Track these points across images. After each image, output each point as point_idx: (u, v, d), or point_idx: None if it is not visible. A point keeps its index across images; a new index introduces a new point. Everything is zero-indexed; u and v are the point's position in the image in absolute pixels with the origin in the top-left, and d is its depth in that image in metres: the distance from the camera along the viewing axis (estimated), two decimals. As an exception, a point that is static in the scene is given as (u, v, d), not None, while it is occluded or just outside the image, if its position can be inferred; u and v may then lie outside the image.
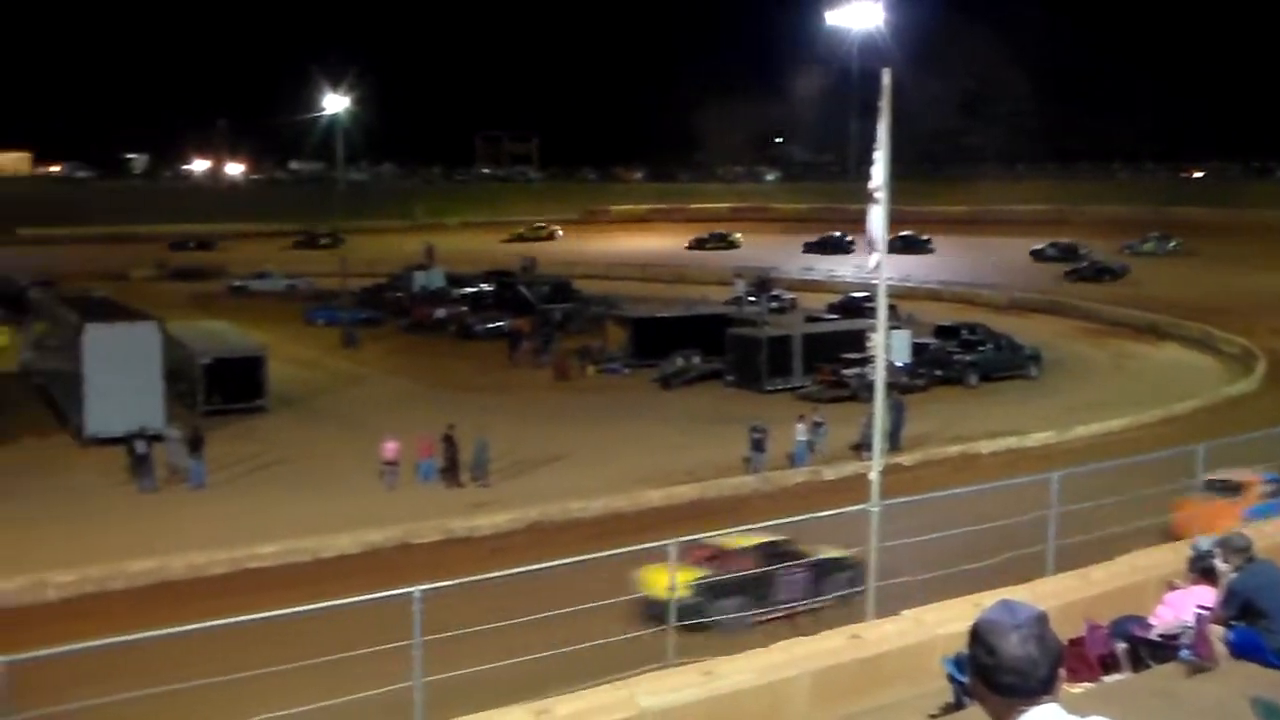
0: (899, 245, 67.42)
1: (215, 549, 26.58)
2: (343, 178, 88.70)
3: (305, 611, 13.25)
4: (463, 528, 29.19)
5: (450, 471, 32.56)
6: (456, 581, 12.87)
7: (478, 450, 32.67)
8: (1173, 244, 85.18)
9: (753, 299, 61.55)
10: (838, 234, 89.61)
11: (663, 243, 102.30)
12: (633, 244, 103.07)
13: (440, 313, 62.84)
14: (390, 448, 32.35)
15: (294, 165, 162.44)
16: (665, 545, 13.51)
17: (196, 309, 62.90)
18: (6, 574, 24.56)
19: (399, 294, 69.04)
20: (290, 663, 12.45)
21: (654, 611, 15.05)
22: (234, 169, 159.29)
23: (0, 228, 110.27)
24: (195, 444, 32.63)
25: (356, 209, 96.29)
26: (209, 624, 12.02)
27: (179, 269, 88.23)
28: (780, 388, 44.65)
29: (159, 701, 12.01)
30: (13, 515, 29.22)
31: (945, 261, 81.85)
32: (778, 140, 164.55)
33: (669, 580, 14.18)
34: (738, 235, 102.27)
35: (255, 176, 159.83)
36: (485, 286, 70.51)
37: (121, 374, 35.92)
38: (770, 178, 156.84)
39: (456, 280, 72.37)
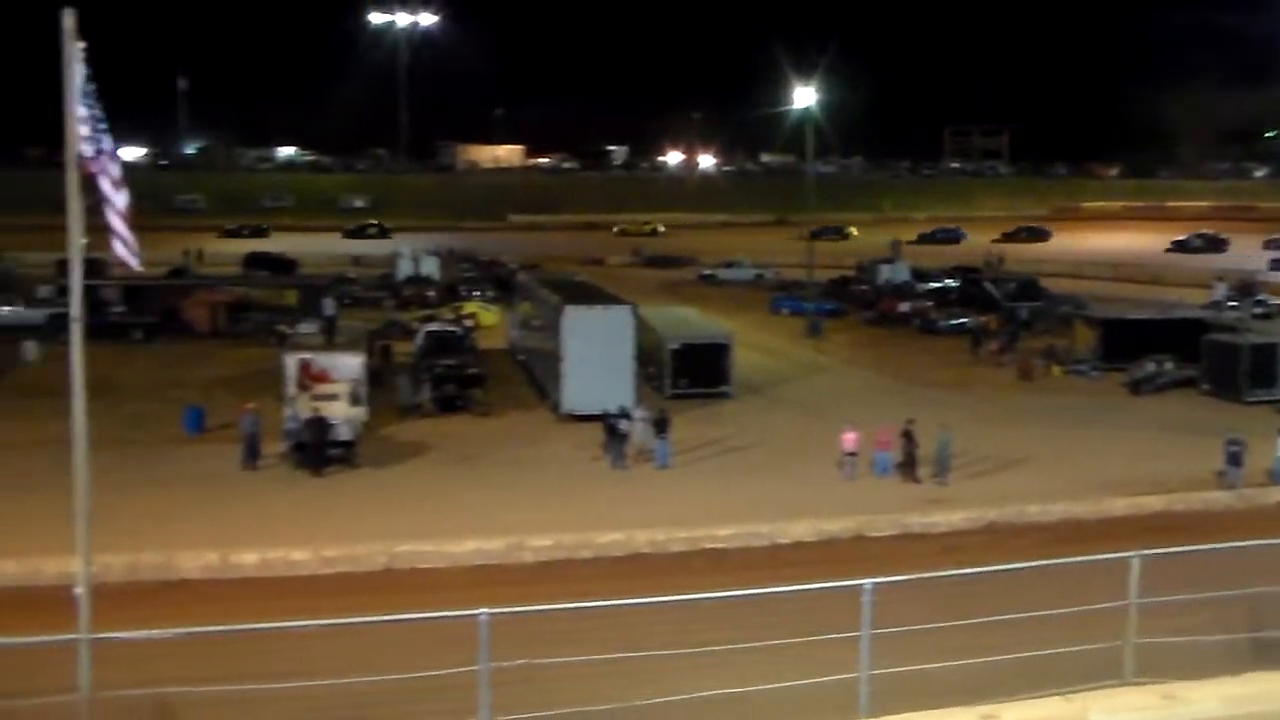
0: None
1: (676, 527, 27.68)
2: (812, 170, 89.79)
3: (760, 594, 13.61)
4: (919, 524, 29.03)
5: (908, 466, 32.36)
6: (908, 577, 12.81)
7: (940, 447, 32.26)
8: None
9: (1234, 303, 57.56)
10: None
11: (1137, 242, 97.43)
12: (1105, 242, 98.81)
13: (904, 307, 62.54)
14: (850, 438, 32.47)
15: (764, 158, 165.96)
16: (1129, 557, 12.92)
17: (667, 295, 65.45)
18: (490, 535, 26.55)
19: (864, 286, 69.29)
20: (743, 643, 12.80)
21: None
22: (706, 161, 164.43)
23: (494, 214, 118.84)
24: (661, 425, 33.96)
25: (825, 201, 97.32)
26: (677, 598, 12.53)
27: (652, 256, 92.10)
28: (1262, 399, 41.72)
29: (618, 666, 12.65)
30: (495, 481, 31.65)
31: None
32: (1268, 135, 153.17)
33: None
34: (1224, 237, 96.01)
35: (726, 168, 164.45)
36: (950, 282, 69.65)
37: (597, 354, 37.87)
38: (1259, 174, 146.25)
39: (921, 275, 71.96)
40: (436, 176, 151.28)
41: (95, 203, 11.41)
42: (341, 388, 34.87)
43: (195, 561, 24.85)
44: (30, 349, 47.76)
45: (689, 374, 42.46)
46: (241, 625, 13.28)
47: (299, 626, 13.86)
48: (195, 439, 35.71)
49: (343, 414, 33.13)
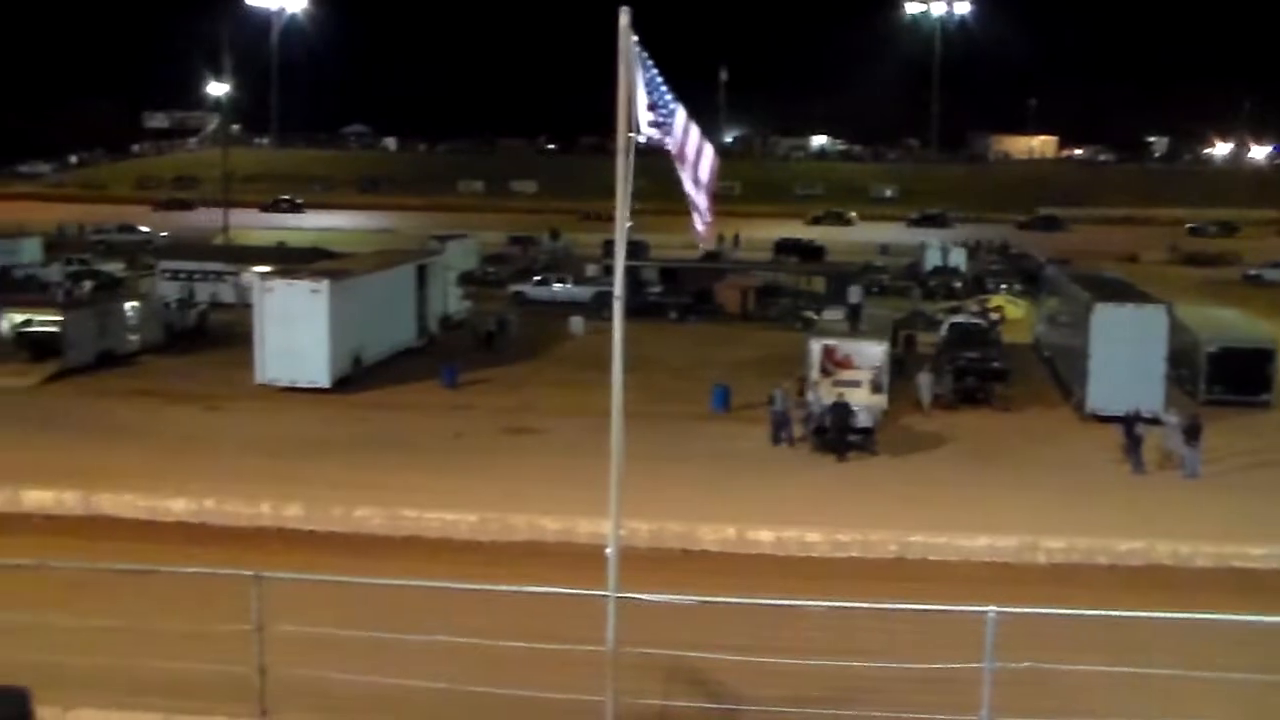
0: None
1: (1201, 541, 26.02)
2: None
3: None
4: None
5: None
6: None
7: None
8: None
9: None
10: None
11: None
12: None
13: None
14: None
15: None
16: None
17: (1206, 295, 61.46)
18: (1003, 532, 26.04)
19: None
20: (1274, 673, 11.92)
21: None
22: (1260, 152, 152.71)
23: (1023, 206, 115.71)
24: (1193, 432, 31.98)
25: None
26: (1196, 615, 11.87)
27: (1191, 254, 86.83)
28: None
29: (1126, 680, 12.10)
30: (1011, 479, 30.96)
31: None
32: None
33: None
34: None
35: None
36: None
37: (1126, 354, 36.22)
38: None
39: None
40: (967, 167, 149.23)
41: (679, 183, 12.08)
42: (864, 375, 35.31)
43: (714, 534, 25.93)
44: (578, 324, 51.37)
45: (1226, 380, 39.69)
46: (758, 599, 13.80)
47: (809, 605, 14.24)
48: (721, 416, 37.16)
49: (864, 401, 33.48)
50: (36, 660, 12.06)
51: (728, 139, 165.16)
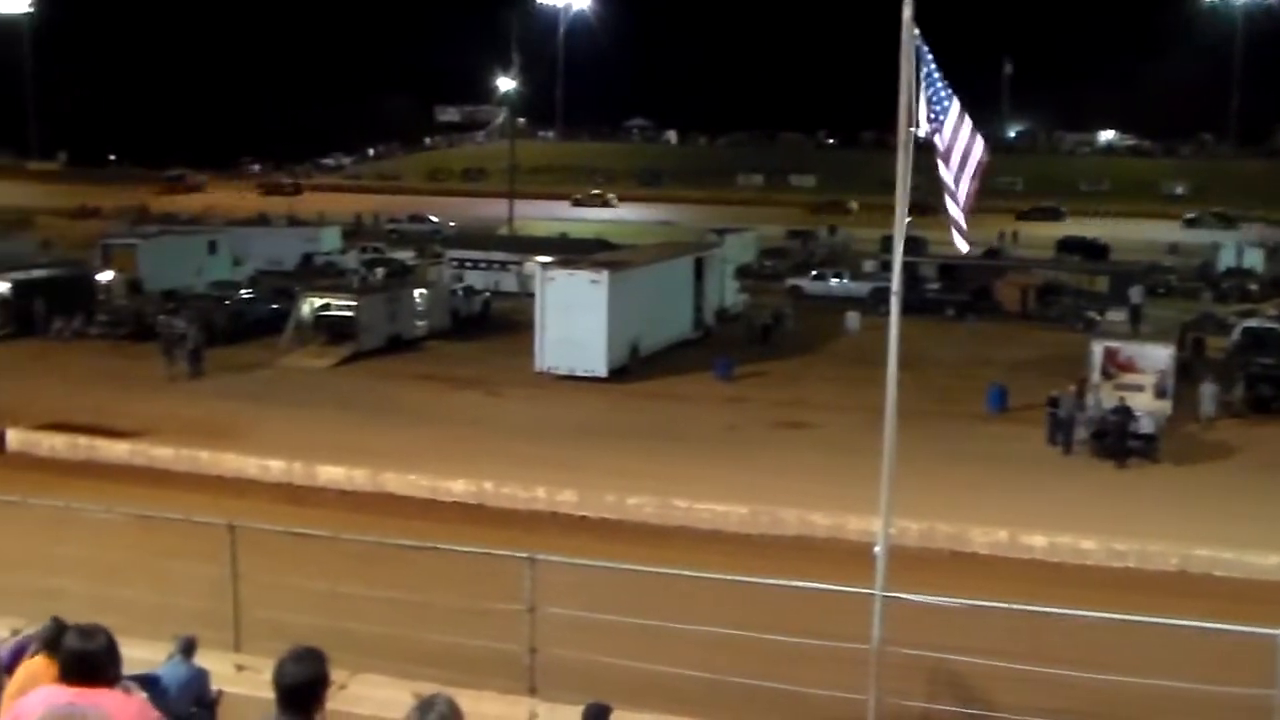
0: None
1: None
2: None
3: None
4: None
5: None
6: None
7: None
8: None
9: None
10: None
11: None
12: None
13: None
14: None
15: None
16: None
17: None
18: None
19: None
20: None
21: None
22: None
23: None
24: None
25: None
26: None
27: None
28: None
29: None
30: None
31: None
32: None
33: None
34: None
35: None
36: None
37: None
38: None
39: None
40: (1267, 163, 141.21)
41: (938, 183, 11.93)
42: (1147, 379, 33.95)
43: (985, 537, 25.37)
44: (853, 319, 51.04)
45: None
46: (1029, 605, 13.48)
47: (1083, 615, 13.81)
48: (997, 417, 36.34)
49: (1146, 406, 32.24)
50: (328, 625, 12.77)
51: (1010, 133, 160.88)
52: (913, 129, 11.64)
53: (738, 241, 63.48)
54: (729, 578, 14.67)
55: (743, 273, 58.90)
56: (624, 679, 13.39)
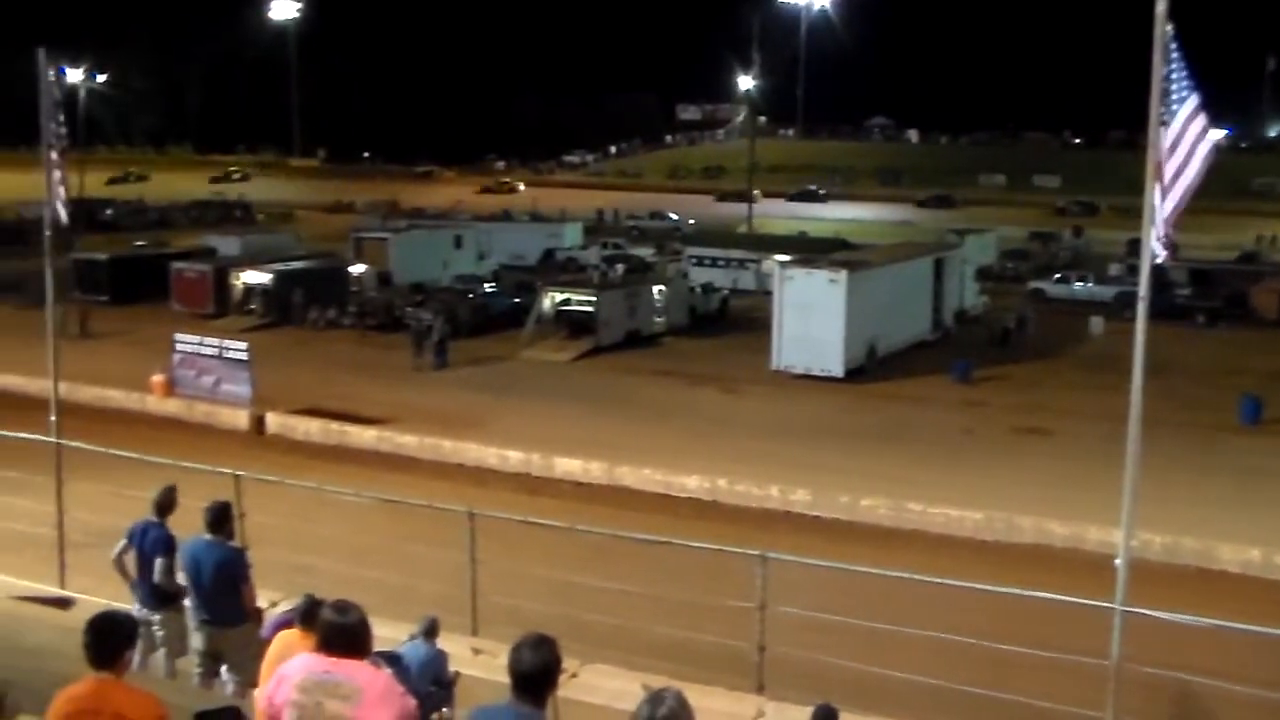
0: None
1: None
2: None
3: None
4: None
5: None
6: None
7: None
8: None
9: None
10: None
11: None
12: None
13: None
14: None
15: None
16: None
17: None
18: None
19: None
20: None
21: None
22: None
23: None
24: None
25: None
26: None
27: None
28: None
29: None
30: None
31: None
32: None
33: None
34: None
35: None
36: None
37: None
38: None
39: None
40: None
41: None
42: None
43: (1236, 555, 24.28)
44: (1097, 324, 49.48)
45: None
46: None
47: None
48: (1250, 429, 34.71)
49: None
50: (561, 613, 13.11)
51: (1270, 133, 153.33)
52: (1163, 127, 11.23)
53: (978, 242, 62.25)
54: (962, 584, 14.46)
55: (983, 274, 57.68)
56: (851, 681, 13.36)
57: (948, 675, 13.08)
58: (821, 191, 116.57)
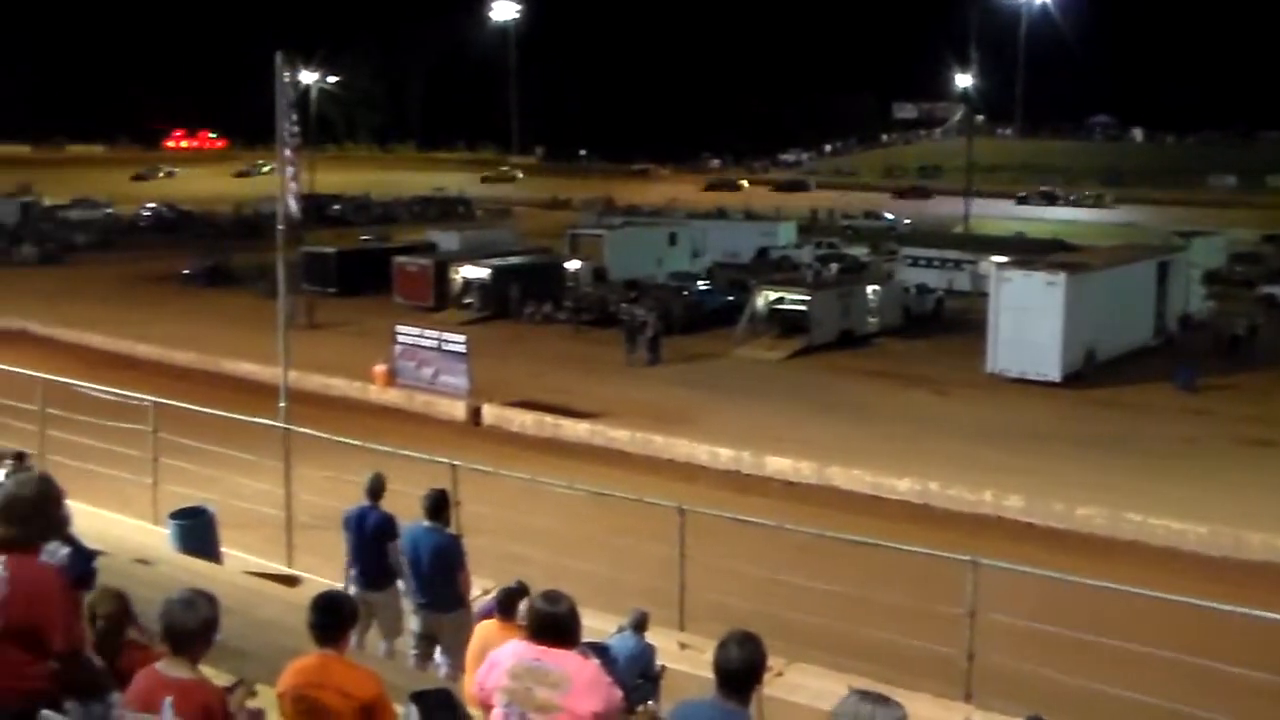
0: None
1: None
2: None
3: None
4: None
5: None
6: None
7: None
8: None
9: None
10: None
11: None
12: None
13: None
14: None
15: None
16: None
17: None
18: None
19: None
20: None
21: None
22: None
23: None
24: None
25: None
26: None
27: None
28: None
29: None
30: None
31: None
32: None
33: None
34: None
35: None
36: None
37: None
38: None
39: None
40: None
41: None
42: None
43: None
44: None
45: None
46: None
47: None
48: None
49: None
50: (768, 611, 13.15)
51: None
52: None
53: (1205, 245, 59.94)
54: (1184, 599, 13.98)
55: (1211, 278, 55.47)
56: (1063, 694, 13.08)
57: (1166, 694, 12.67)
58: (1061, 195, 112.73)
